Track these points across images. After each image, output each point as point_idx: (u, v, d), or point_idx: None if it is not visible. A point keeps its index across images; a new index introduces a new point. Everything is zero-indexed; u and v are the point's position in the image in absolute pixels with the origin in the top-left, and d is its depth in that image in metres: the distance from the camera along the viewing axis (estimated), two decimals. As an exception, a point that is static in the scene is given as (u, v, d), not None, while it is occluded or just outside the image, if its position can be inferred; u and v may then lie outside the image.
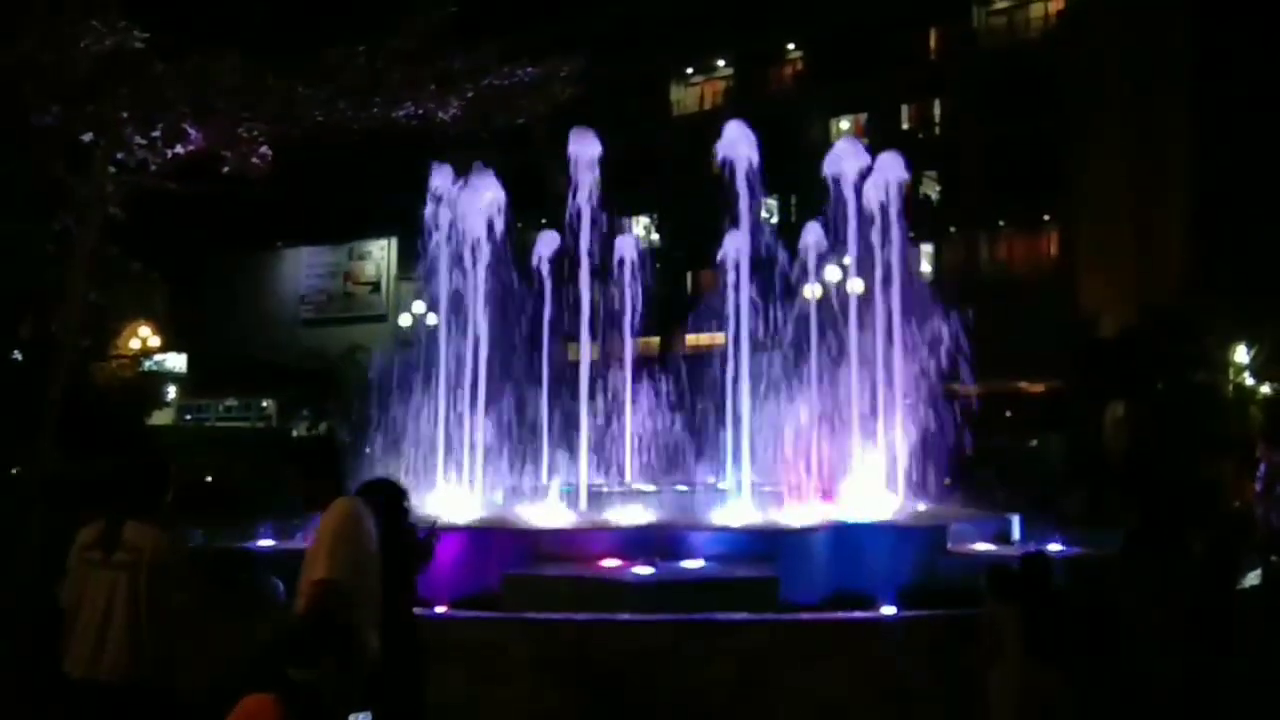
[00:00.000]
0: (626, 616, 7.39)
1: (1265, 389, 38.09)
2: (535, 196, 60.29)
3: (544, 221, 64.70)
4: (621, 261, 14.27)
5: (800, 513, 11.31)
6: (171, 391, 49.32)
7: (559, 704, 7.12)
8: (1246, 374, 38.23)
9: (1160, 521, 9.52)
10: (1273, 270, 34.36)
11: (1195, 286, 41.28)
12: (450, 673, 7.31)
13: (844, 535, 10.62)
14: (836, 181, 14.20)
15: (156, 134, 8.09)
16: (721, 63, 52.52)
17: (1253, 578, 10.22)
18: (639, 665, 7.13)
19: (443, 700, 7.24)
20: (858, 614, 8.10)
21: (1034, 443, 33.72)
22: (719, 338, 13.66)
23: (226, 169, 8.46)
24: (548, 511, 10.80)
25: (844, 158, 13.91)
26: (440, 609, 8.40)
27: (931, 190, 50.31)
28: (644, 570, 8.67)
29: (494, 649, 7.35)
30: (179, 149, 8.20)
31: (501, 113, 8.78)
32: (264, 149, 8.31)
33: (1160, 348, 36.25)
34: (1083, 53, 44.44)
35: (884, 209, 14.51)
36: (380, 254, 64.26)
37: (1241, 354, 37.86)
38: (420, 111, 8.65)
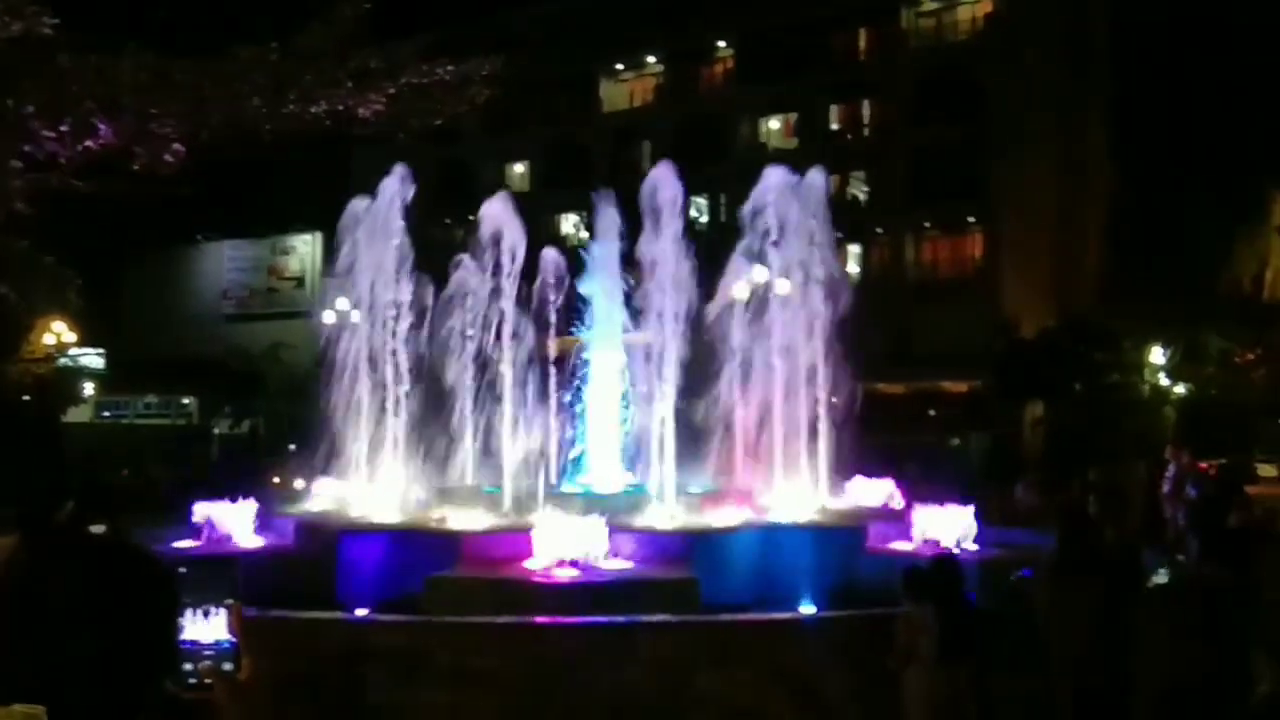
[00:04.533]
0: (546, 620, 7.38)
1: (1179, 390, 39.31)
2: (465, 191, 59.92)
3: (472, 218, 63.54)
4: (548, 260, 14.19)
5: (723, 514, 11.38)
6: (89, 388, 48.00)
7: (479, 708, 7.08)
8: (1161, 375, 39.41)
9: (1077, 527, 9.73)
10: (1186, 275, 35.47)
11: (1112, 291, 42.49)
12: (371, 677, 7.24)
13: (765, 536, 10.72)
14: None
15: (65, 127, 7.85)
16: (652, 59, 52.62)
17: (1160, 576, 10.53)
18: (559, 668, 7.13)
19: (364, 705, 7.17)
20: (773, 615, 8.18)
21: (956, 441, 34.44)
22: (647, 336, 13.67)
23: (137, 166, 8.24)
24: (471, 514, 10.73)
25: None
26: (361, 613, 8.31)
27: (859, 191, 50.96)
28: (566, 573, 8.66)
29: (414, 653, 7.29)
30: (89, 143, 7.96)
31: (420, 112, 8.67)
32: (176, 145, 8.11)
33: (1078, 350, 37.25)
34: (1008, 59, 45.35)
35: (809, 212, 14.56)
36: (305, 249, 63.26)
37: (1157, 356, 39.01)
38: (338, 109, 8.51)
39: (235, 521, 11.05)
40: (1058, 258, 47.88)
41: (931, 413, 40.37)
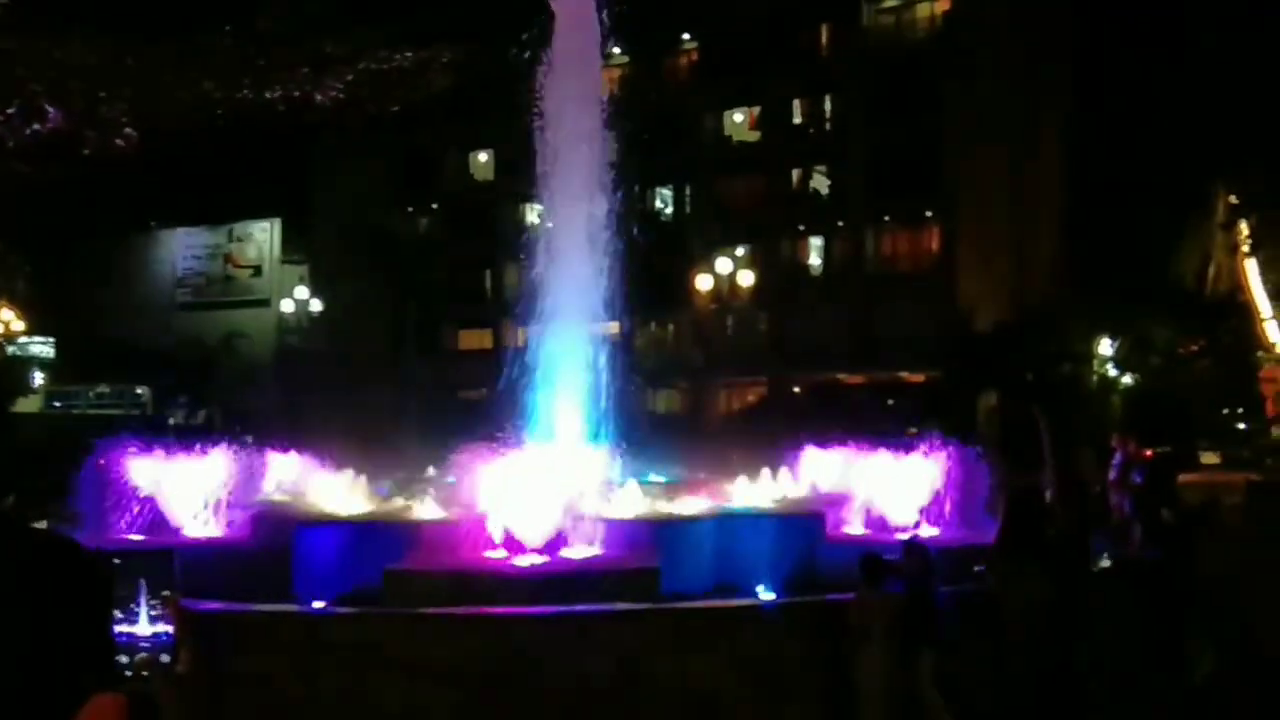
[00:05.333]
0: (505, 610, 7.37)
1: (1126, 380, 40.10)
2: (427, 179, 59.41)
3: (435, 206, 63.53)
4: (514, 248, 14.11)
5: (685, 502, 11.41)
6: (39, 378, 47.16)
7: (438, 700, 7.07)
8: (1109, 366, 40.17)
9: (1029, 514, 9.87)
10: (1134, 269, 36.11)
11: (1064, 284, 43.20)
12: (328, 670, 7.20)
13: (726, 525, 10.77)
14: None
15: (12, 110, 7.70)
16: (617, 50, 52.58)
17: (1106, 561, 10.73)
18: (519, 658, 7.13)
19: (321, 698, 7.14)
20: (732, 602, 8.23)
21: (913, 430, 34.76)
22: (614, 326, 13.68)
23: (88, 150, 8.10)
24: (432, 504, 10.67)
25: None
26: (317, 605, 8.24)
27: (821, 185, 51.28)
28: (526, 562, 8.64)
29: (372, 646, 7.26)
30: (37, 127, 7.82)
31: (379, 98, 8.61)
32: (128, 130, 7.98)
33: (1030, 341, 37.88)
34: (965, 56, 45.83)
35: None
36: (263, 236, 62.50)
37: (1105, 347, 39.75)
38: (295, 95, 8.41)
39: (189, 512, 10.92)
40: (1012, 251, 48.54)
41: (891, 402, 40.77)
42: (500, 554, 8.81)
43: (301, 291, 46.79)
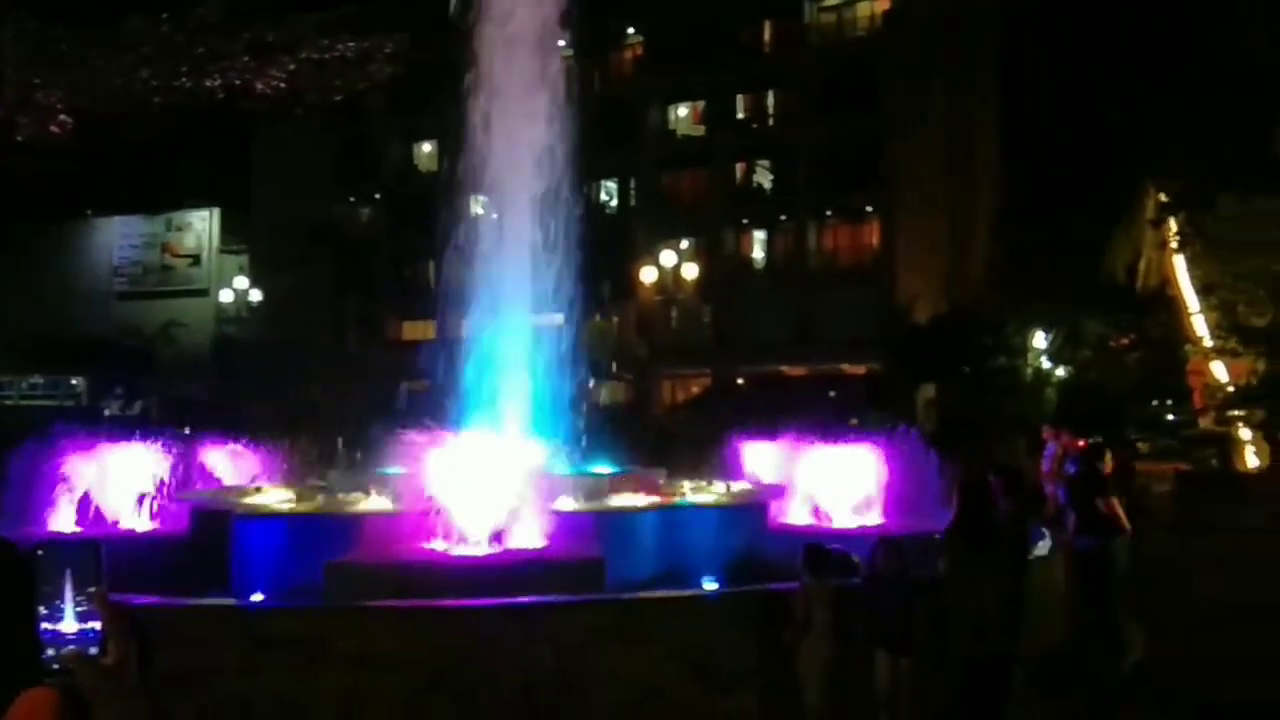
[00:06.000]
0: (448, 603, 7.36)
1: (1060, 372, 41.05)
2: (369, 169, 58.83)
3: (377, 196, 62.98)
4: (458, 240, 14.01)
5: (630, 494, 11.47)
6: (-32, 368, 45.86)
7: (380, 693, 7.05)
8: (1043, 359, 41.09)
9: (977, 501, 10.05)
10: (1068, 264, 36.92)
11: (1000, 278, 44.07)
12: (268, 666, 7.14)
13: (669, 515, 10.86)
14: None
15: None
16: (561, 43, 52.43)
17: (1040, 549, 11.00)
18: (463, 650, 7.13)
19: (260, 694, 7.08)
20: (676, 592, 8.31)
21: (854, 421, 35.23)
22: (558, 318, 13.67)
23: (21, 137, 7.93)
24: (374, 496, 10.62)
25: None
26: (257, 599, 8.18)
27: (765, 179, 51.68)
28: (469, 554, 8.64)
29: (313, 640, 7.21)
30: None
31: (320, 88, 8.52)
32: (63, 117, 7.82)
33: (966, 335, 38.62)
34: (904, 55, 46.50)
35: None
36: (201, 225, 61.50)
37: (1039, 340, 40.65)
38: (234, 83, 8.30)
39: (126, 505, 10.75)
40: (950, 247, 49.43)
41: (832, 394, 41.28)
42: (443, 546, 8.80)
43: (241, 281, 46.09)
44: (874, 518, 11.64)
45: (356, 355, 45.58)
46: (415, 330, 50.19)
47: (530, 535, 9.06)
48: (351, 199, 56.87)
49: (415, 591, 7.70)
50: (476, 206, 13.49)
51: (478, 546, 8.75)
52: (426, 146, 54.64)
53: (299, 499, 11.30)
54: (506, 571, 8.22)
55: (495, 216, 13.60)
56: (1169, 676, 9.91)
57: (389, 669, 7.03)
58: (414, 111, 46.83)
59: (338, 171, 54.92)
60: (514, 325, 13.14)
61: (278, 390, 33.18)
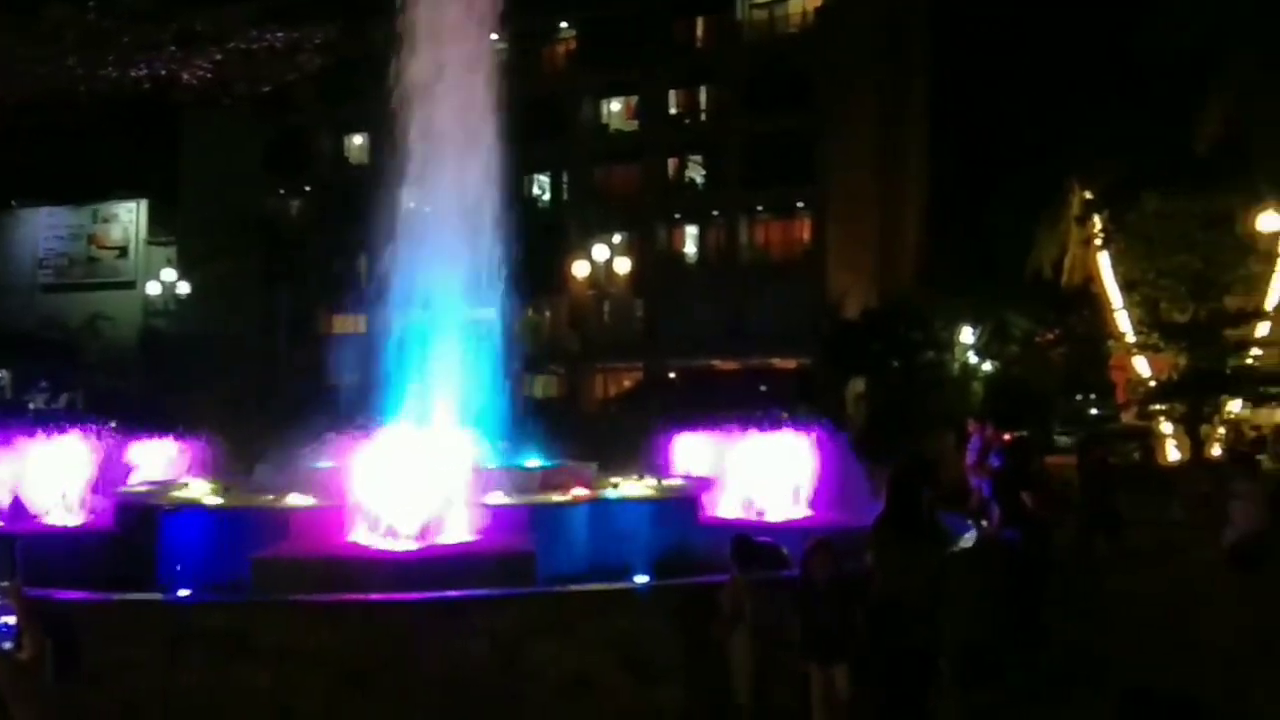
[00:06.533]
0: (375, 597, 7.34)
1: (987, 367, 41.94)
2: (300, 162, 57.89)
3: (308, 188, 61.98)
4: (390, 233, 13.90)
5: (562, 488, 11.51)
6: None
7: (305, 688, 7.01)
8: (971, 354, 41.95)
9: (908, 494, 10.22)
10: (995, 260, 37.71)
11: (928, 273, 44.87)
12: (192, 662, 7.07)
13: (601, 509, 10.93)
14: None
15: None
16: (493, 36, 52.10)
17: (966, 541, 11.26)
18: (391, 645, 7.12)
19: (186, 689, 7.00)
20: (607, 585, 8.37)
21: (785, 415, 35.65)
22: (490, 312, 13.64)
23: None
24: (303, 490, 10.52)
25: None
26: (184, 594, 8.08)
27: (697, 174, 51.94)
28: (399, 548, 8.61)
29: (238, 634, 7.14)
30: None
31: (248, 78, 8.40)
32: (-17, 104, 7.62)
33: (896, 330, 39.24)
34: (836, 53, 47.04)
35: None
36: (128, 217, 60.22)
37: (967, 335, 41.48)
38: (161, 73, 8.15)
39: (51, 499, 10.54)
40: (880, 242, 50.17)
41: (763, 388, 41.68)
42: (372, 540, 8.76)
43: (169, 274, 45.19)
44: (804, 511, 11.81)
45: (286, 349, 44.90)
46: (346, 324, 49.52)
47: (461, 529, 9.05)
48: (282, 191, 55.97)
49: (343, 586, 7.66)
50: (408, 199, 13.39)
51: (407, 541, 8.73)
52: (358, 139, 53.98)
53: (226, 493, 11.16)
54: (436, 565, 8.21)
55: (427, 210, 13.52)
56: (1090, 666, 10.20)
57: (314, 664, 6.99)
58: (346, 103, 46.22)
59: (268, 163, 54.06)
60: (445, 319, 13.09)
61: (206, 384, 32.60)
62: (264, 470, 11.74)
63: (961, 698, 8.04)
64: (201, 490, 11.39)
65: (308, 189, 55.02)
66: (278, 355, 43.92)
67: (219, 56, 8.07)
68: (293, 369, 40.29)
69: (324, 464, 10.47)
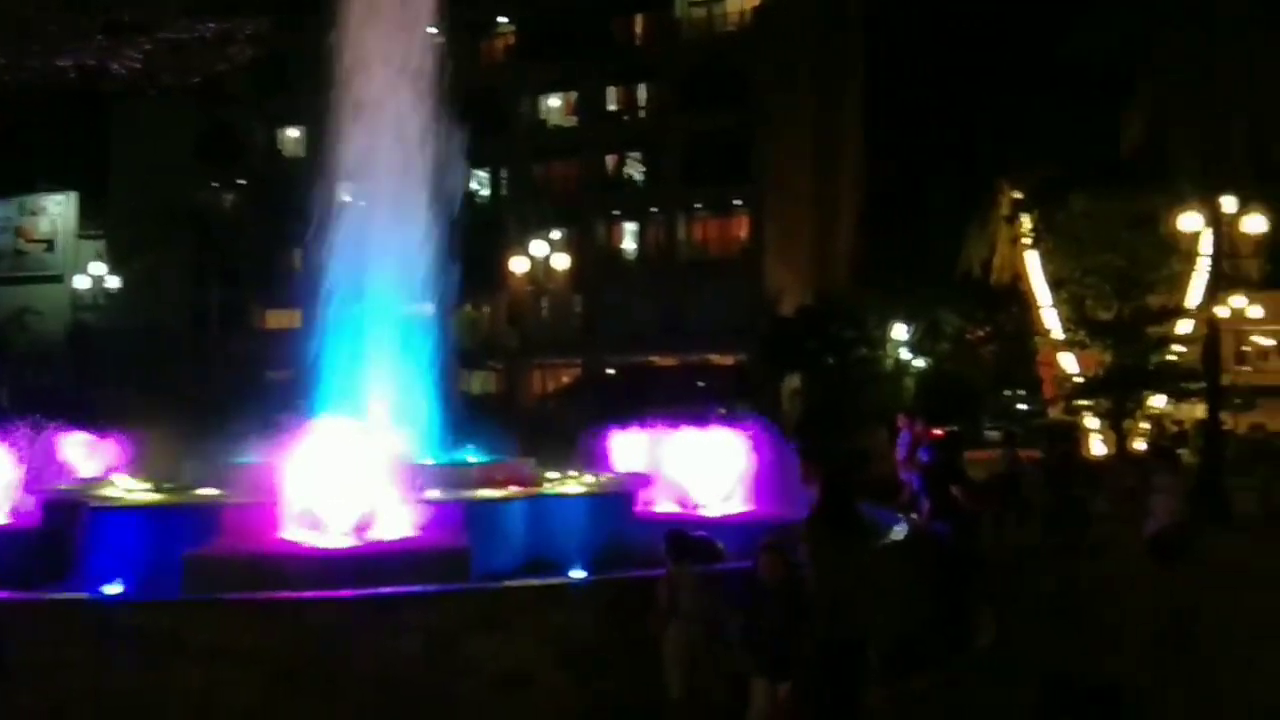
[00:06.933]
0: (310, 594, 7.29)
1: (919, 363, 42.68)
2: (234, 154, 56.85)
3: (242, 181, 60.97)
4: (325, 227, 13.73)
5: (499, 483, 11.50)
6: None
7: (237, 687, 6.94)
8: (903, 350, 42.65)
9: (840, 488, 10.38)
10: (927, 259, 38.38)
11: (863, 272, 45.53)
12: (122, 661, 6.97)
13: (537, 504, 10.95)
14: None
15: None
16: (431, 30, 51.64)
17: (896, 534, 11.48)
18: (323, 642, 7.07)
19: (115, 689, 6.90)
20: (542, 580, 8.40)
21: (723, 410, 35.95)
22: (427, 307, 13.56)
23: None
24: (235, 487, 10.38)
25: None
26: (112, 592, 7.95)
27: (636, 171, 52.04)
28: (332, 545, 8.56)
29: (169, 634, 7.05)
30: None
31: (177, 69, 8.27)
32: (-103, 94, 7.41)
33: (831, 327, 39.77)
34: (774, 53, 47.42)
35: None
36: (57, 209, 58.81)
37: (900, 332, 42.16)
38: (89, 63, 7.99)
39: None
40: (816, 240, 50.75)
41: (701, 385, 41.96)
42: (305, 537, 8.69)
43: (98, 267, 44.17)
44: (740, 506, 11.94)
45: (218, 343, 44.15)
46: (280, 319, 48.84)
47: (396, 525, 9.01)
48: (215, 183, 55.01)
49: (275, 583, 7.59)
50: (343, 193, 13.25)
51: (340, 537, 8.67)
52: (292, 131, 53.20)
53: (156, 490, 10.98)
54: (370, 562, 8.17)
55: (362, 203, 13.40)
56: (1017, 656, 10.45)
57: (246, 662, 6.93)
58: (280, 95, 45.58)
59: (200, 155, 53.10)
60: (381, 314, 12.99)
61: (136, 379, 31.96)
62: (194, 466, 11.56)
63: (891, 687, 8.19)
64: (130, 487, 11.19)
65: (241, 181, 54.12)
66: (209, 350, 43.18)
67: (148, 47, 7.91)
68: (224, 364, 39.63)
69: (256, 460, 10.35)
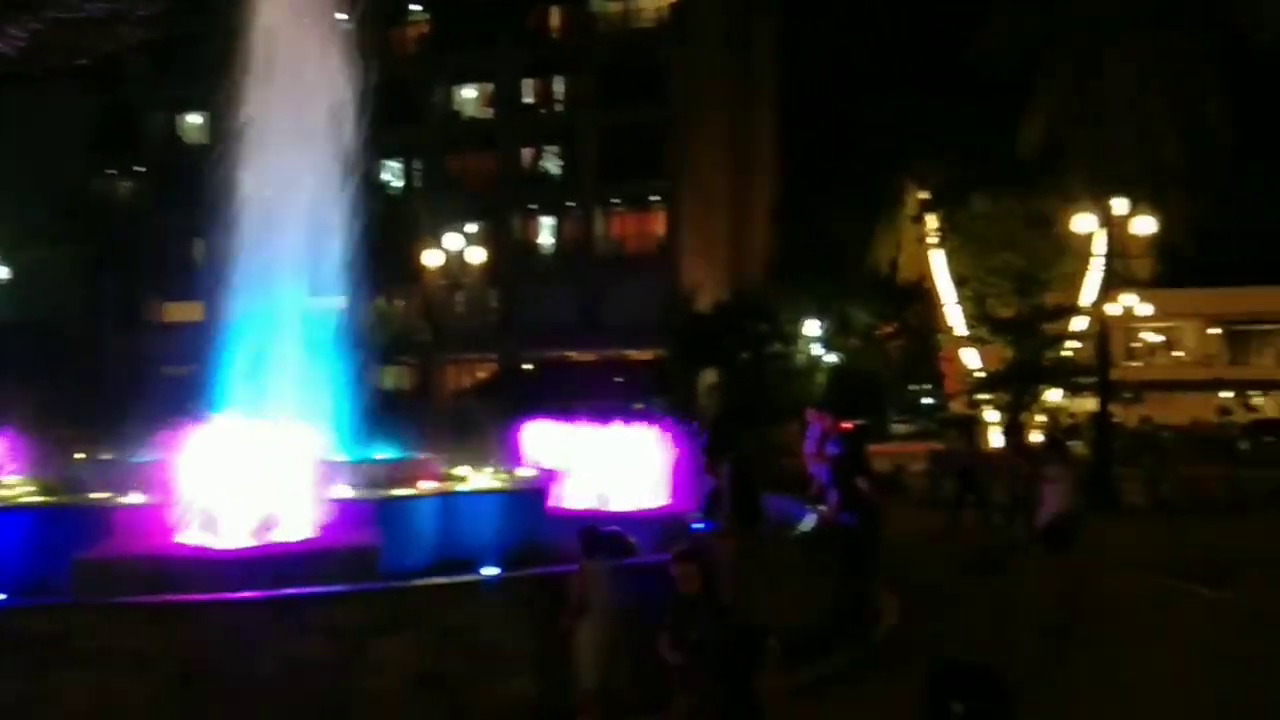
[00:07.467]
0: (207, 597, 7.04)
1: (831, 358, 43.38)
2: (131, 140, 55.04)
3: (140, 169, 59.17)
4: (229, 216, 13.31)
5: (410, 481, 11.31)
6: None
7: (128, 694, 6.67)
8: (815, 346, 43.32)
9: (745, 485, 10.47)
10: (838, 255, 38.98)
11: (777, 269, 46.08)
12: (9, 667, 6.66)
13: (449, 502, 10.80)
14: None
15: None
16: (343, 17, 50.62)
17: (805, 525, 11.63)
18: (222, 646, 6.84)
19: (1, 698, 6.58)
20: (453, 578, 8.26)
21: (640, 406, 36.06)
22: (337, 300, 13.26)
23: None
24: (131, 488, 10.00)
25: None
26: (-2, 598, 7.59)
27: (553, 165, 51.79)
28: (234, 546, 8.28)
29: (59, 639, 6.75)
30: None
31: (65, 50, 7.90)
32: None
33: (745, 323, 40.19)
34: (690, 50, 47.61)
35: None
36: (-65, 196, 56.09)
37: (812, 328, 42.81)
38: (-31, 41, 7.58)
39: None
40: (732, 236, 51.16)
41: (618, 380, 41.98)
42: (205, 539, 8.40)
43: (-23, 256, 42.30)
44: (654, 501, 11.94)
45: (113, 338, 42.71)
46: (181, 312, 47.41)
47: (301, 525, 8.76)
48: (111, 171, 53.20)
49: (172, 587, 7.32)
50: (248, 183, 12.86)
51: (242, 539, 8.39)
52: (195, 117, 51.61)
53: (46, 491, 10.53)
54: (272, 564, 7.93)
55: (268, 194, 13.01)
56: (919, 640, 10.68)
57: (139, 668, 6.66)
58: (181, 80, 44.18)
59: (96, 142, 51.26)
60: (288, 307, 12.65)
61: (26, 375, 30.75)
62: (86, 466, 11.11)
63: (791, 675, 8.28)
64: (18, 488, 10.72)
65: (139, 169, 52.44)
66: (104, 345, 41.74)
67: (35, 25, 7.52)
68: (121, 359, 38.34)
69: (152, 459, 9.96)
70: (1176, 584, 14.26)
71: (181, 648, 6.75)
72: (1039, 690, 8.30)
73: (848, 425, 14.46)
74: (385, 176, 50.57)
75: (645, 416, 13.32)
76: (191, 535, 8.40)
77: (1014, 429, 28.37)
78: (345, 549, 8.53)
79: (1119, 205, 26.01)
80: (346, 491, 9.98)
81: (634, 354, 47.01)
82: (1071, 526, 11.52)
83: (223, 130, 13.03)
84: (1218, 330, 56.22)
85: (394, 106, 45.23)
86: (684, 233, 48.19)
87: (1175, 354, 56.32)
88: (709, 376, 43.25)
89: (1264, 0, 25.65)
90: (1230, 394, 53.22)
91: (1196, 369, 53.89)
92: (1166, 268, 33.03)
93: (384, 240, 14.02)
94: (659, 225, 49.51)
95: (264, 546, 8.38)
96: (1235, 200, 31.09)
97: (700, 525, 8.35)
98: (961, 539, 17.85)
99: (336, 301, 13.08)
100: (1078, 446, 22.89)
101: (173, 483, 8.59)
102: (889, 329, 42.60)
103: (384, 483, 10.99)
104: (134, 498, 9.48)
